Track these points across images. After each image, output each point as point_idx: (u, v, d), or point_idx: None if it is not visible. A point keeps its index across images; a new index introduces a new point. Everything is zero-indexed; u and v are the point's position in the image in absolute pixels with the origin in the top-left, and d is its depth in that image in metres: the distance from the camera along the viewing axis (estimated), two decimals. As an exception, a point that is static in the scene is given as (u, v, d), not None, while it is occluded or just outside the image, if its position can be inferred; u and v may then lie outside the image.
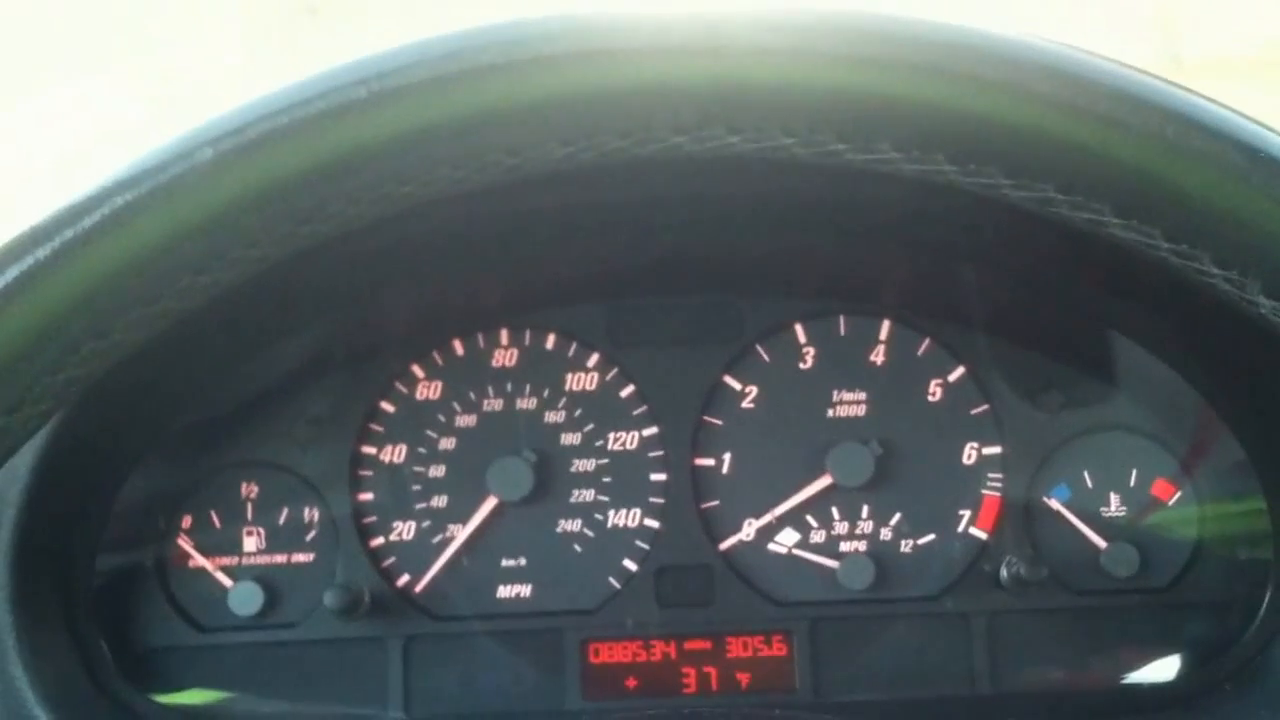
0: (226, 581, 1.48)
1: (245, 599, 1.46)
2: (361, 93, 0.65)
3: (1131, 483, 1.48)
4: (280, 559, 1.49)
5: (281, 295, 1.30)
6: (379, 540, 1.50)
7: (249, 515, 1.49)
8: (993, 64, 0.65)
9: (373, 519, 1.50)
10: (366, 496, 1.50)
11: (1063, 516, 1.48)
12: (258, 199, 0.66)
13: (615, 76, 0.66)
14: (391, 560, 1.50)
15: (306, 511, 1.50)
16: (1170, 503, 1.47)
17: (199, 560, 1.48)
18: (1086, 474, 1.48)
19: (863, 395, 1.50)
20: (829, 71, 0.65)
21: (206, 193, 0.66)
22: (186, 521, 1.49)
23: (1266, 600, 1.40)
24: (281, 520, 1.50)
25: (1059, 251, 1.29)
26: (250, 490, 1.50)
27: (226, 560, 1.49)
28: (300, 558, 1.50)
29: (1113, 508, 1.48)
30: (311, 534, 1.50)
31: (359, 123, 0.65)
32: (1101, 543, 1.46)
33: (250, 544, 1.49)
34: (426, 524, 1.50)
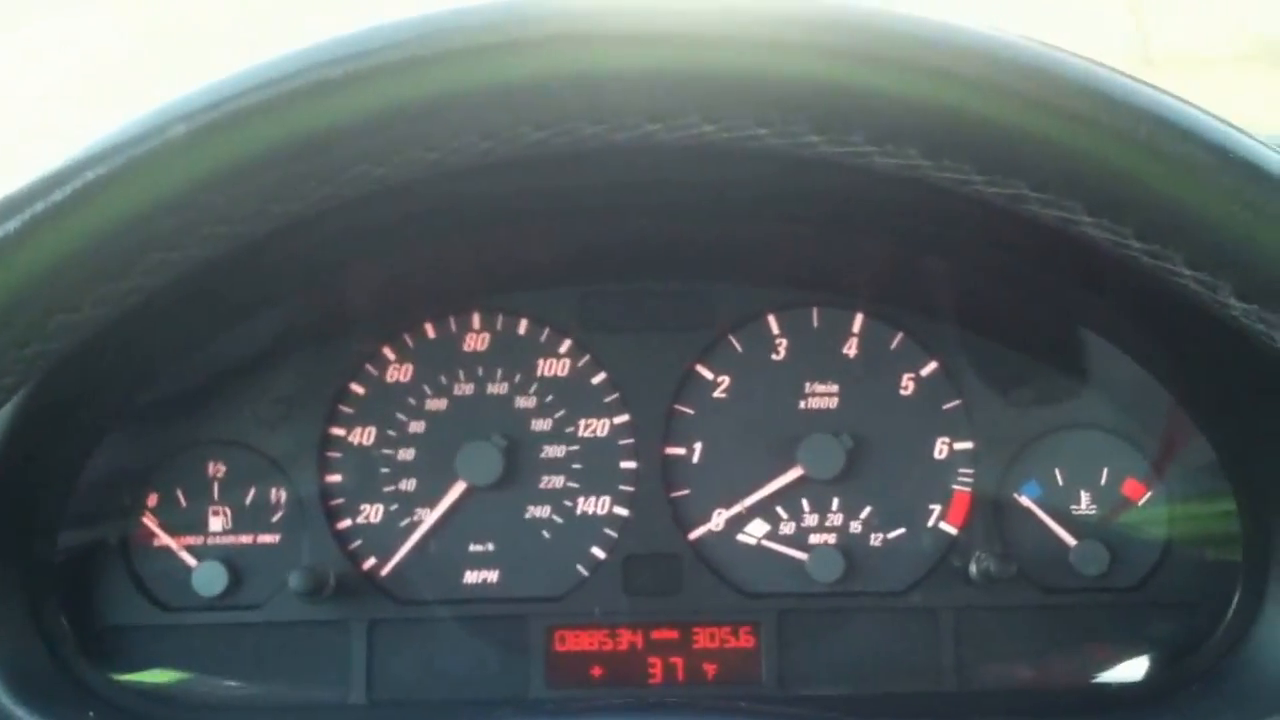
0: (191, 561, 1.47)
1: (209, 579, 1.45)
2: (337, 72, 0.65)
3: (1102, 481, 1.47)
4: (245, 539, 1.48)
5: (251, 273, 1.29)
6: (346, 522, 1.49)
7: (215, 494, 1.49)
8: (967, 59, 0.65)
9: (340, 501, 1.49)
10: (334, 478, 1.49)
11: (1033, 513, 1.47)
12: (231, 176, 0.66)
13: (590, 62, 0.65)
14: (358, 543, 1.49)
15: (273, 492, 1.49)
16: (1140, 502, 1.47)
17: (163, 539, 1.48)
18: (1057, 471, 1.47)
19: (835, 387, 1.49)
20: (804, 63, 0.65)
21: (179, 169, 0.65)
22: (152, 499, 1.48)
23: (1235, 601, 1.39)
24: (248, 500, 1.49)
25: (1032, 247, 1.29)
26: (217, 469, 1.49)
27: (191, 539, 1.48)
28: (266, 539, 1.49)
29: (1083, 506, 1.47)
30: (278, 515, 1.49)
31: (334, 102, 0.65)
32: (1071, 540, 1.46)
33: (215, 524, 1.48)
34: (394, 507, 1.49)
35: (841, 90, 0.65)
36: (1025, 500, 1.47)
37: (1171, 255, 0.68)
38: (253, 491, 1.49)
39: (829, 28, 0.65)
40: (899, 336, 1.49)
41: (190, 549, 1.47)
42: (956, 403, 1.49)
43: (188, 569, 1.46)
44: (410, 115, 0.65)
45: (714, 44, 0.65)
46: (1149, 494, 1.47)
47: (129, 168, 0.65)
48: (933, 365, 1.49)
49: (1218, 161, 0.64)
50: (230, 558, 1.47)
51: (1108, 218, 0.67)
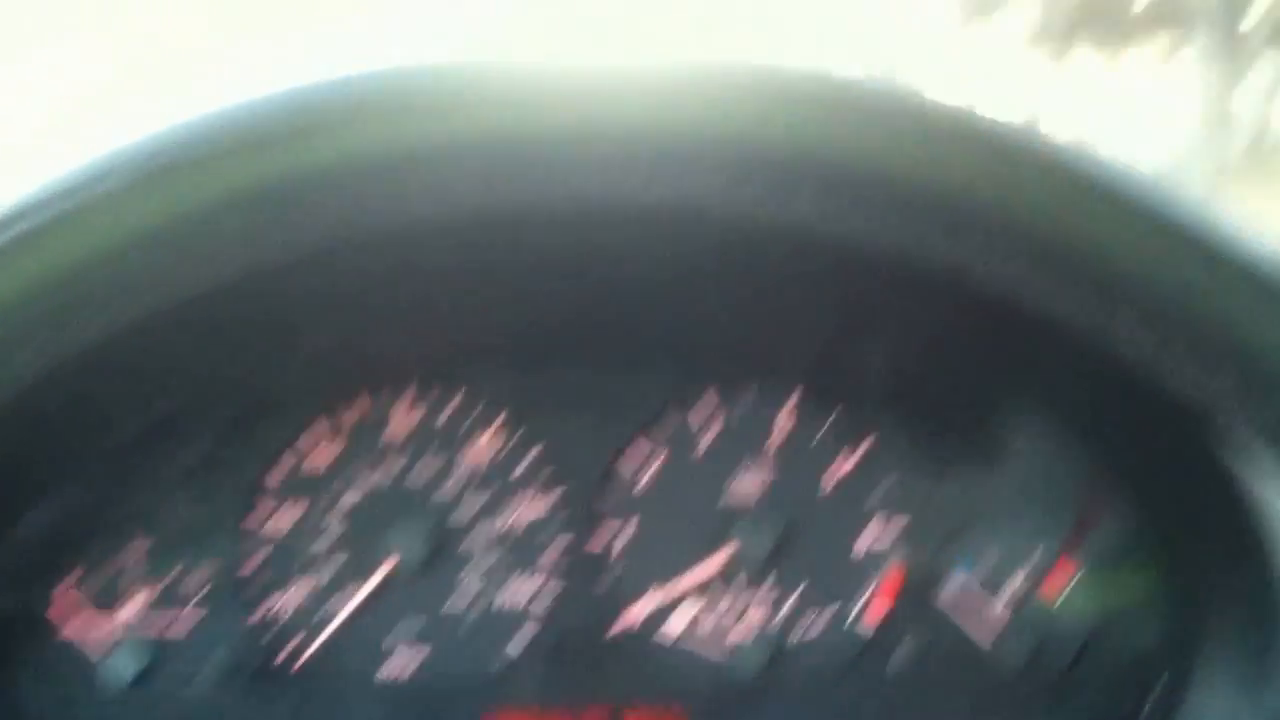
0: (107, 641, 1.44)
1: (122, 664, 1.42)
2: (280, 127, 0.64)
3: (1029, 566, 1.47)
4: (163, 623, 1.46)
5: (183, 344, 1.28)
6: (266, 605, 1.47)
7: (134, 574, 1.46)
8: (920, 127, 0.66)
9: (264, 580, 1.47)
10: (257, 559, 1.47)
11: (959, 601, 1.46)
12: (165, 232, 0.65)
13: (544, 122, 0.65)
14: (279, 627, 1.47)
15: (195, 572, 1.46)
16: (1068, 586, 1.46)
17: (75, 621, 1.44)
18: (985, 556, 1.47)
19: (767, 470, 1.48)
20: (756, 127, 0.65)
21: (108, 224, 0.64)
22: (65, 580, 1.45)
23: (1163, 679, 1.39)
24: (164, 583, 1.46)
25: (965, 328, 1.29)
26: (137, 547, 1.46)
27: (108, 619, 1.45)
28: (186, 620, 1.46)
29: (1009, 593, 1.47)
30: (199, 595, 1.46)
31: (277, 157, 0.64)
32: (998, 625, 1.45)
33: (130, 607, 1.46)
34: (318, 589, 1.47)
35: (796, 156, 0.65)
36: (954, 583, 1.47)
37: (1118, 326, 0.69)
38: (173, 571, 1.46)
39: (783, 93, 0.66)
40: (832, 419, 1.49)
41: (106, 632, 1.45)
42: (889, 482, 1.48)
43: (104, 649, 1.43)
44: (348, 174, 0.65)
45: (664, 106, 0.65)
46: (1076, 577, 1.47)
47: (58, 221, 0.64)
48: (867, 444, 1.48)
49: (1156, 222, 0.66)
50: (148, 640, 1.44)
51: (1054, 281, 0.67)
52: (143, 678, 1.43)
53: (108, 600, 1.45)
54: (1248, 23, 10.86)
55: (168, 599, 1.46)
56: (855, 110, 0.66)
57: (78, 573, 1.45)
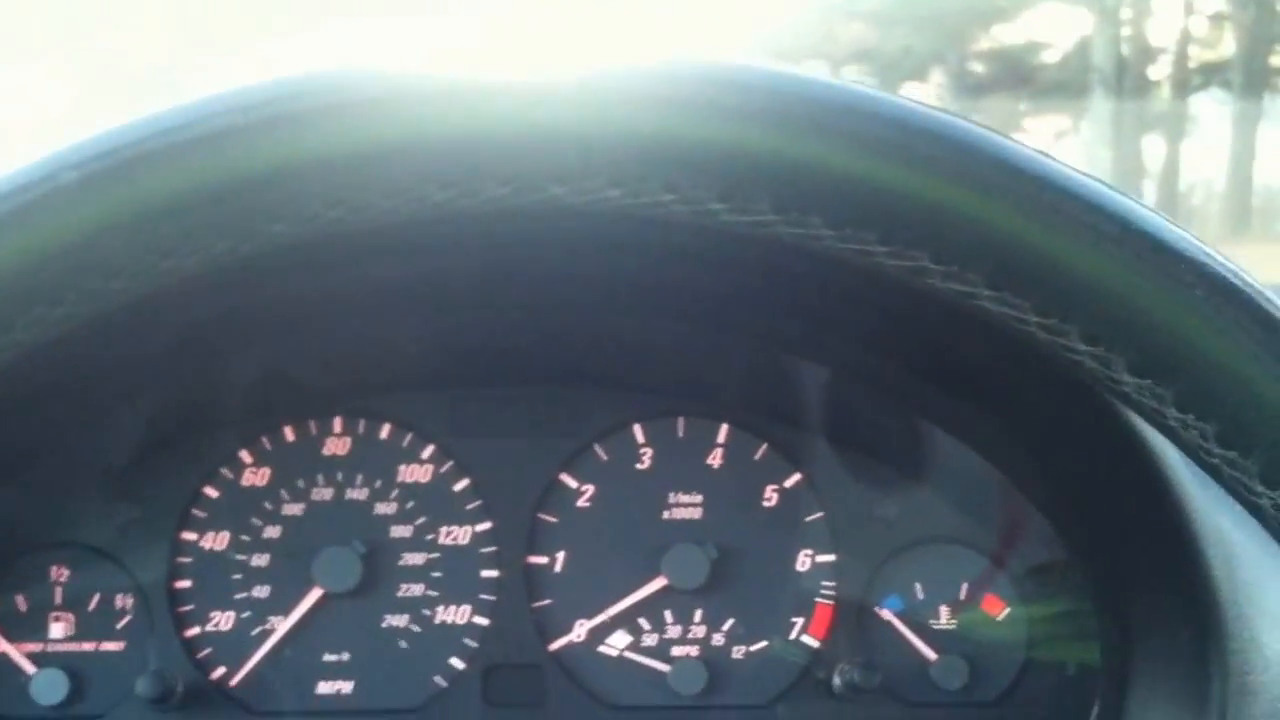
0: (29, 668, 1.41)
1: (48, 687, 1.39)
2: (238, 120, 0.63)
3: (962, 594, 1.48)
4: (89, 645, 1.43)
5: (105, 369, 1.26)
6: (195, 629, 1.45)
7: (57, 599, 1.44)
8: (873, 127, 0.65)
9: (190, 607, 1.45)
10: (184, 584, 1.45)
11: (894, 627, 1.47)
12: (120, 226, 0.64)
13: (500, 121, 0.64)
14: (207, 651, 1.45)
15: (119, 597, 1.44)
16: (1000, 615, 1.47)
17: (1, 644, 1.42)
18: (918, 585, 1.47)
19: (699, 498, 1.48)
20: (707, 127, 0.65)
21: (66, 218, 0.63)
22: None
23: (1096, 709, 1.40)
24: (92, 605, 1.44)
25: (901, 353, 1.30)
26: (60, 573, 1.44)
27: (30, 646, 1.43)
28: (110, 645, 1.44)
29: (943, 620, 1.47)
30: (124, 620, 1.44)
31: (234, 152, 0.63)
32: (932, 654, 1.46)
33: (57, 629, 1.43)
34: (246, 614, 1.45)
35: (748, 156, 0.65)
36: (887, 613, 1.47)
37: (1068, 329, 0.68)
38: (98, 596, 1.44)
39: (736, 91, 0.65)
40: (763, 448, 1.49)
41: (29, 655, 1.42)
42: (819, 515, 1.48)
43: (26, 676, 1.41)
44: (314, 169, 0.64)
45: (623, 105, 0.65)
46: (1008, 606, 1.48)
47: (14, 214, 0.63)
48: (796, 477, 1.49)
49: (1119, 234, 0.65)
50: (72, 664, 1.41)
51: (1009, 291, 0.67)
52: (74, 695, 1.40)
53: (36, 618, 1.43)
54: (1155, 73, 11.07)
55: (95, 617, 1.44)
56: (807, 107, 0.65)
57: (1, 601, 1.43)
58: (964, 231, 0.66)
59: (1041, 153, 0.66)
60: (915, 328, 1.24)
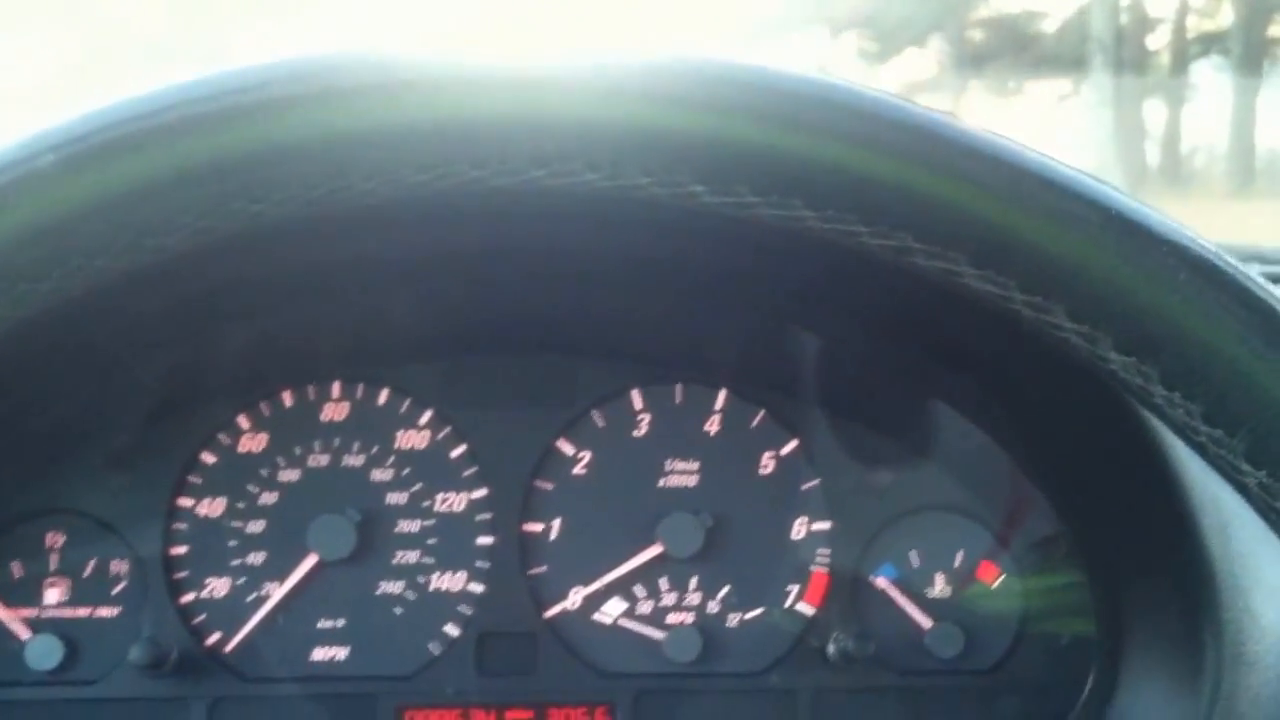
0: (24, 633, 1.41)
1: (43, 652, 1.39)
2: (213, 106, 0.63)
3: (957, 563, 1.48)
4: (84, 612, 1.43)
5: (101, 337, 1.26)
6: (190, 596, 1.45)
7: (52, 564, 1.43)
8: (854, 117, 0.66)
9: (185, 573, 1.45)
10: (180, 550, 1.45)
11: (889, 595, 1.47)
12: (104, 207, 0.64)
13: (478, 106, 0.65)
14: (202, 617, 1.45)
15: (114, 563, 1.44)
16: (995, 584, 1.48)
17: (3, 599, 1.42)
18: (914, 553, 1.48)
19: (695, 465, 1.48)
20: (684, 116, 0.65)
21: (47, 198, 0.63)
22: None
23: (1091, 680, 1.40)
24: (87, 571, 1.44)
25: (895, 321, 1.30)
26: (55, 538, 1.44)
27: (25, 611, 1.42)
28: (105, 611, 1.44)
29: (938, 588, 1.47)
30: (119, 587, 1.44)
31: (214, 135, 0.64)
32: (927, 622, 1.46)
33: (52, 595, 1.43)
34: (241, 581, 1.45)
35: (726, 143, 0.66)
36: (882, 581, 1.47)
37: (1053, 308, 0.68)
38: (93, 562, 1.44)
39: (709, 81, 0.66)
40: (760, 415, 1.49)
41: (24, 620, 1.42)
42: (815, 482, 1.48)
43: (20, 642, 1.41)
44: (293, 152, 0.65)
45: (598, 93, 0.65)
46: (1003, 575, 1.48)
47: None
48: (793, 444, 1.48)
49: (1100, 216, 0.66)
50: (67, 630, 1.42)
51: (992, 270, 0.68)
52: (68, 661, 1.41)
53: (31, 585, 1.43)
54: (1154, 42, 11.08)
55: (91, 584, 1.44)
56: (793, 100, 0.66)
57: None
58: (945, 217, 0.66)
59: (1020, 142, 0.67)
60: (911, 302, 1.24)
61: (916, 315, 1.30)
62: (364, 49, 0.65)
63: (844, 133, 0.65)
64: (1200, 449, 0.71)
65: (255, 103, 0.64)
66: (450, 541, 1.48)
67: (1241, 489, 0.71)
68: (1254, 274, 0.67)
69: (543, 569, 1.48)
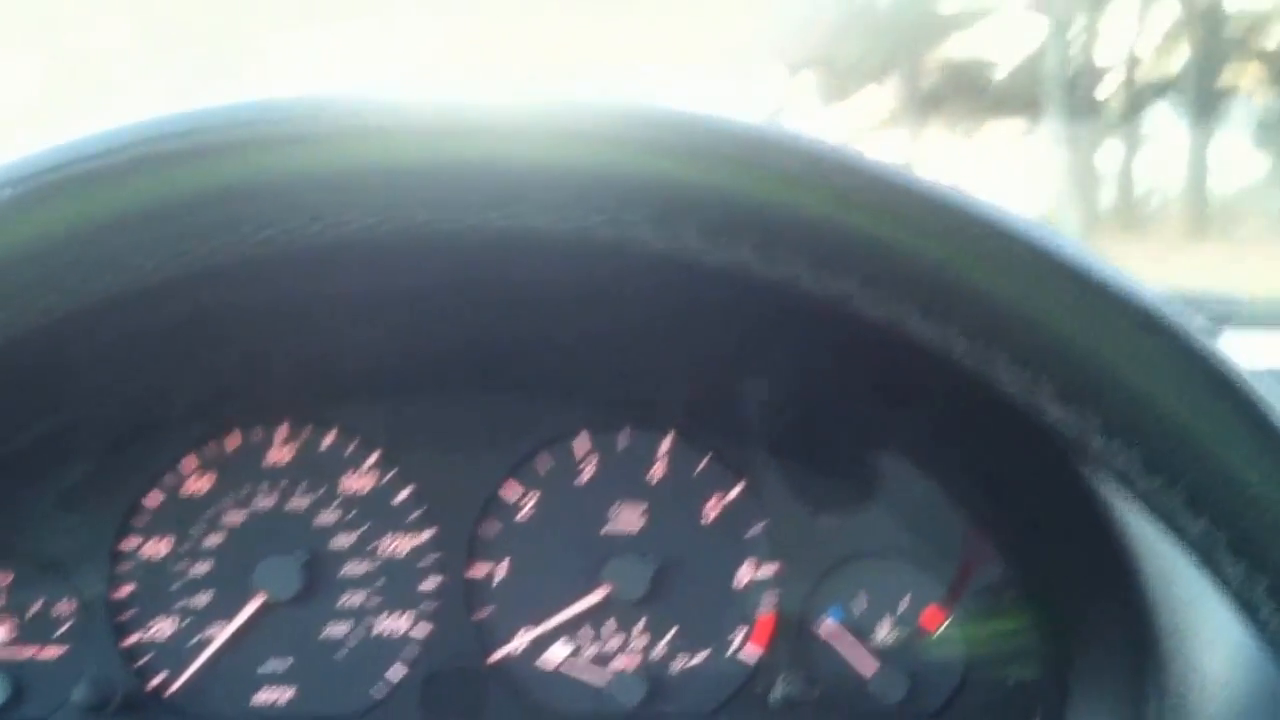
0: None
1: (-10, 687, 1.39)
2: (171, 145, 0.64)
3: (903, 608, 1.48)
4: (29, 651, 1.43)
5: (51, 373, 1.26)
6: (135, 637, 1.44)
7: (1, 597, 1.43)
8: (801, 163, 0.66)
9: (130, 614, 1.44)
10: (125, 591, 1.44)
11: (835, 638, 1.47)
12: (58, 243, 0.64)
13: (429, 150, 0.65)
14: (147, 658, 1.44)
15: (60, 603, 1.44)
16: (940, 629, 1.48)
17: None
18: (859, 597, 1.48)
19: (642, 509, 1.49)
20: (634, 159, 0.65)
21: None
22: None
23: (1039, 713, 1.41)
24: (33, 611, 1.43)
25: (840, 367, 1.31)
26: (2, 578, 1.43)
27: None
28: (50, 651, 1.43)
29: (884, 632, 1.48)
30: (64, 626, 1.44)
31: (170, 175, 0.64)
32: (872, 667, 1.46)
33: (2, 628, 1.43)
34: (187, 622, 1.45)
35: (675, 187, 0.66)
36: (828, 625, 1.48)
37: (994, 356, 0.68)
38: (39, 602, 1.44)
39: (662, 127, 0.66)
40: (706, 459, 1.49)
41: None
42: (762, 526, 1.48)
43: (-35, 679, 1.40)
44: (247, 192, 0.65)
45: (532, 139, 0.65)
46: (949, 620, 1.48)
47: None
48: (739, 488, 1.49)
49: (1042, 264, 0.66)
50: (12, 669, 1.41)
51: (935, 317, 0.68)
52: (13, 701, 1.40)
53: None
54: (1107, 85, 11.18)
55: (36, 623, 1.43)
56: (741, 145, 0.66)
57: None
58: (889, 265, 0.67)
59: (961, 188, 0.68)
60: (858, 346, 1.25)
61: (864, 360, 1.31)
62: (316, 91, 0.66)
63: (792, 178, 0.66)
64: (1140, 498, 0.71)
65: (200, 146, 0.64)
66: (397, 583, 1.48)
67: (1182, 538, 0.71)
68: (1196, 323, 0.67)
69: (489, 611, 1.48)
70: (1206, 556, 0.70)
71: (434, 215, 0.67)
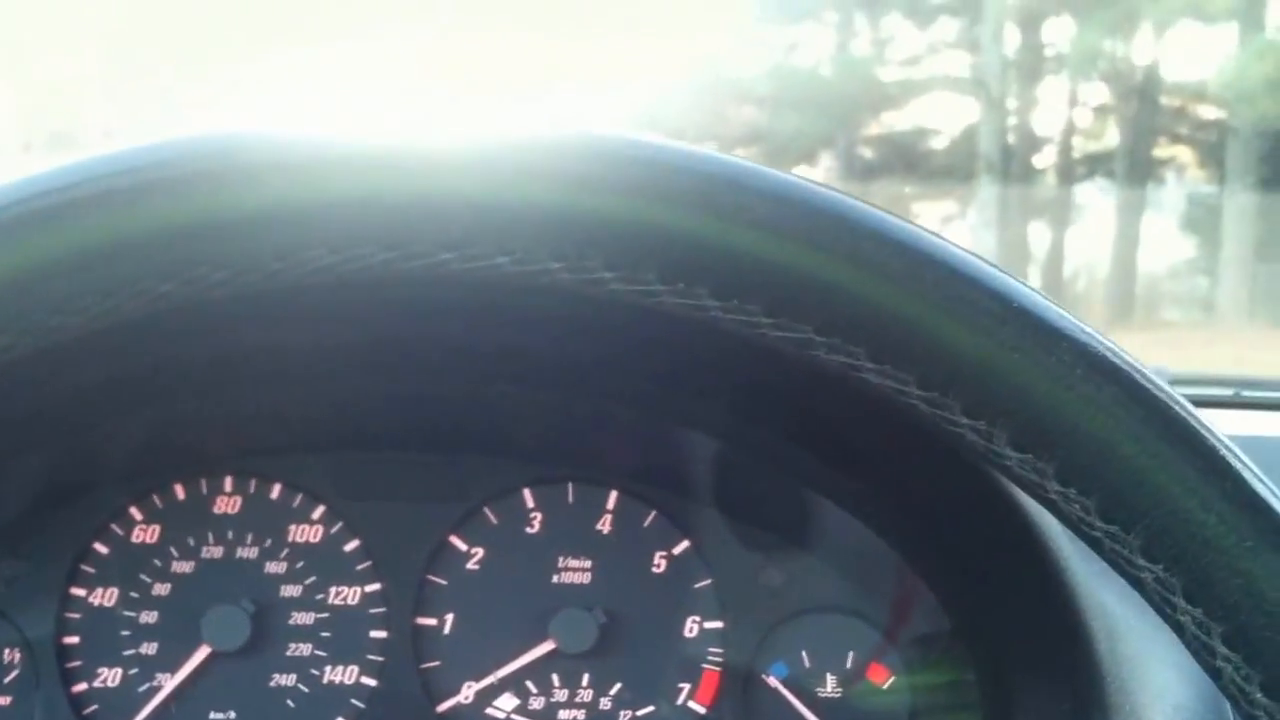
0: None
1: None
2: (124, 182, 0.63)
3: (848, 663, 1.49)
4: None
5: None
6: (82, 685, 1.44)
7: None
8: (761, 203, 0.66)
9: (77, 663, 1.44)
10: (72, 639, 1.44)
11: (780, 694, 1.48)
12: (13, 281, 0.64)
13: (388, 187, 0.64)
14: (94, 708, 1.44)
15: (7, 651, 1.43)
16: (885, 683, 1.49)
17: None
18: (804, 653, 1.49)
19: (588, 563, 1.50)
20: (595, 199, 0.65)
21: None
22: None
23: None
24: None
25: (785, 423, 1.33)
26: None
27: None
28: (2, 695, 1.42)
29: (829, 688, 1.49)
30: (10, 675, 1.43)
31: (120, 213, 0.63)
32: (822, 713, 1.47)
33: None
34: (134, 671, 1.44)
35: (637, 228, 0.66)
36: (773, 681, 1.49)
37: (950, 404, 0.69)
38: None
39: (623, 165, 0.66)
40: (651, 515, 1.50)
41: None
42: (707, 582, 1.50)
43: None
44: (204, 231, 0.64)
45: (487, 179, 0.65)
46: (893, 674, 1.50)
47: None
48: (684, 544, 1.50)
49: (999, 311, 0.66)
50: None
51: (891, 364, 0.68)
52: None
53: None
54: (1040, 162, 11.33)
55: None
56: (708, 183, 0.66)
57: None
58: (849, 307, 0.67)
59: (926, 230, 0.68)
60: (798, 399, 1.27)
61: (804, 415, 1.32)
62: (269, 126, 0.65)
63: (759, 219, 0.66)
64: (1095, 544, 0.71)
65: (140, 185, 0.63)
66: (343, 635, 1.48)
67: (1137, 584, 0.71)
68: (1149, 371, 0.68)
69: (436, 663, 1.48)
70: (1162, 601, 0.71)
71: (393, 254, 0.67)
